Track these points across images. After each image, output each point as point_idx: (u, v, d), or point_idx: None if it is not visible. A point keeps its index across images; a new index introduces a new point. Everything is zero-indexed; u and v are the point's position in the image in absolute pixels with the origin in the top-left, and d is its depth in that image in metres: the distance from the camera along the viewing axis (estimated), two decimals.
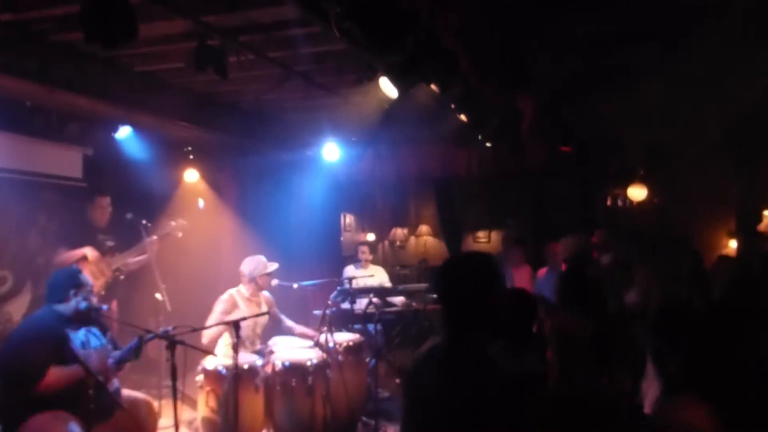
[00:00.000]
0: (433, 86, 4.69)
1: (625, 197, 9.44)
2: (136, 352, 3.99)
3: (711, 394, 1.61)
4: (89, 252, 5.58)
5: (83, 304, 3.94)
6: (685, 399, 1.61)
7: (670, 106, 7.50)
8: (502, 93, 6.24)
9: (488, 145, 6.85)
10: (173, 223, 6.21)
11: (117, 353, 4.05)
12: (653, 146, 8.53)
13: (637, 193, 9.10)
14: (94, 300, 4.09)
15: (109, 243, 5.90)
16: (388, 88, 4.63)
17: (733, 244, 8.43)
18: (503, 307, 2.37)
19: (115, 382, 4.08)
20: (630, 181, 9.12)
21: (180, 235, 6.21)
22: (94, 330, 4.09)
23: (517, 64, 6.15)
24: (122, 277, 5.92)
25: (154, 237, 5.96)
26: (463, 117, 5.58)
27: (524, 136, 7.22)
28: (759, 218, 8.58)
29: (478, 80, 5.34)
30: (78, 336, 3.94)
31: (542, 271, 6.55)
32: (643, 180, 9.08)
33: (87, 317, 4.03)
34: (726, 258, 7.69)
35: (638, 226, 8.96)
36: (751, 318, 3.23)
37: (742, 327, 2.95)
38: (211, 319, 5.12)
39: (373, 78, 4.74)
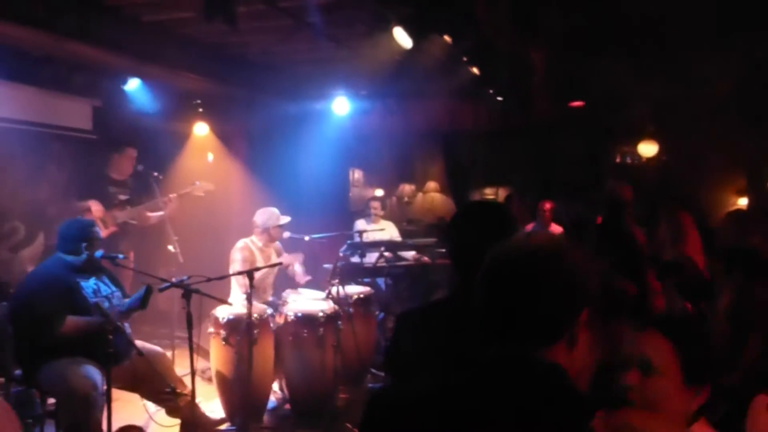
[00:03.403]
0: (446, 37, 4.63)
1: (634, 154, 9.38)
2: (143, 301, 3.95)
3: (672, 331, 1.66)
4: (93, 205, 5.53)
5: (98, 253, 3.98)
6: (647, 333, 1.67)
7: (680, 61, 7.41)
8: (515, 45, 6.17)
9: (499, 99, 6.79)
10: (197, 183, 6.06)
11: (126, 301, 4.09)
12: (663, 102, 8.43)
13: (648, 149, 9.02)
14: (101, 250, 4.10)
15: (122, 196, 5.84)
16: (402, 38, 4.57)
17: (742, 201, 8.39)
18: None
19: (126, 327, 4.13)
20: (639, 137, 9.05)
21: (201, 194, 6.09)
22: (105, 278, 4.14)
23: (530, 16, 6.06)
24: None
25: (174, 195, 5.89)
26: (475, 70, 5.53)
27: (534, 90, 7.16)
28: None
29: (491, 31, 5.27)
30: (89, 284, 3.98)
31: (529, 227, 6.56)
32: (652, 136, 9.00)
33: (97, 266, 4.08)
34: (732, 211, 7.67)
35: (645, 183, 8.91)
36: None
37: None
38: (233, 268, 5.14)
39: (384, 29, 4.68)
